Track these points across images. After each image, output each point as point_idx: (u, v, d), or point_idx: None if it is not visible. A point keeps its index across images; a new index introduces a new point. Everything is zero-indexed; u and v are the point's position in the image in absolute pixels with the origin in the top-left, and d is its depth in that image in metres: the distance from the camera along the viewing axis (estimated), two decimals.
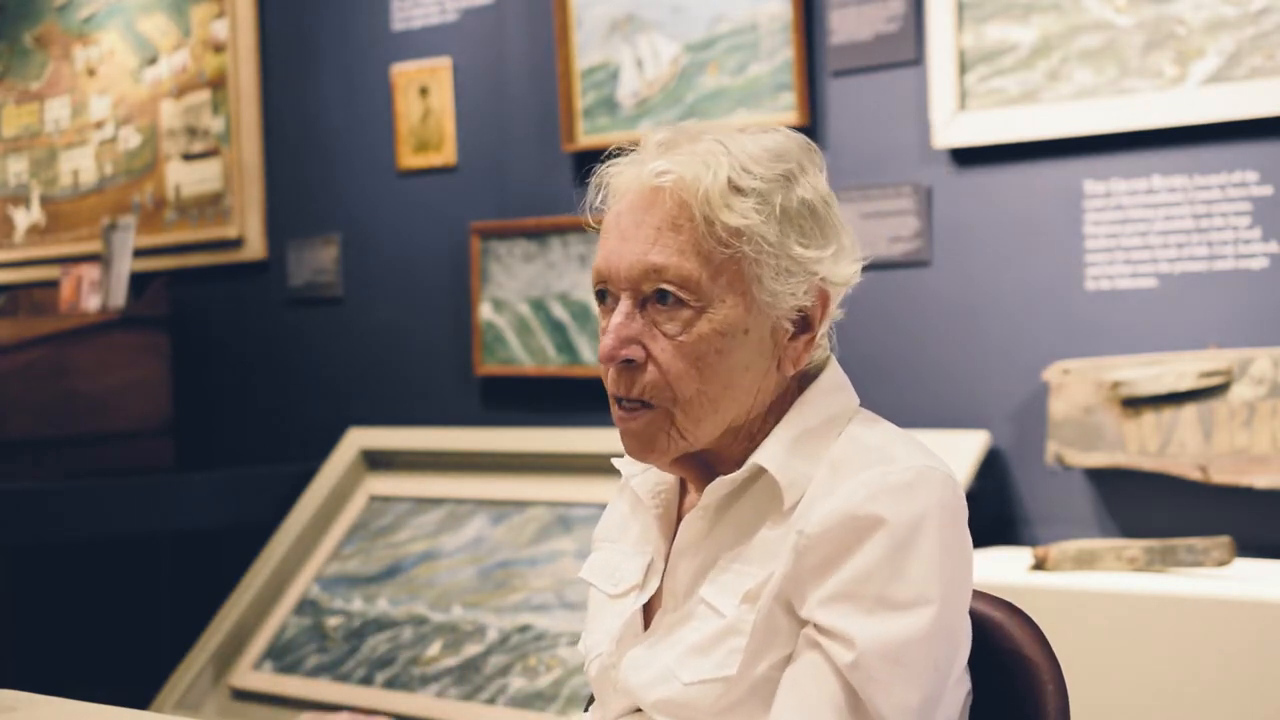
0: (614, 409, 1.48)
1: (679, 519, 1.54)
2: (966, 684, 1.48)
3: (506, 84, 4.12)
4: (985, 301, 3.31)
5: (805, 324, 1.46)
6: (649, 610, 1.53)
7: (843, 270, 1.46)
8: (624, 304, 1.45)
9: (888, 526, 1.36)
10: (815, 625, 1.37)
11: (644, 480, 1.57)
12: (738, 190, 1.42)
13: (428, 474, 4.16)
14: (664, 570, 1.52)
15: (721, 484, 1.46)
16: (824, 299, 1.46)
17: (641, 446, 1.47)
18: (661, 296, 1.43)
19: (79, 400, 4.46)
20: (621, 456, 1.55)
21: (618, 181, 1.48)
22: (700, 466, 1.50)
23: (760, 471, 1.45)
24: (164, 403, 4.63)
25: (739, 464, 1.46)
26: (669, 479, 1.56)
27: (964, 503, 1.42)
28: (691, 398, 1.44)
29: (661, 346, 1.44)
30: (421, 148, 4.28)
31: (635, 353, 1.44)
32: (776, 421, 1.47)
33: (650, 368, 1.44)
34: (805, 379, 1.50)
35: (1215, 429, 2.92)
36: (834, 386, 1.50)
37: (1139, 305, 3.12)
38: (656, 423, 1.46)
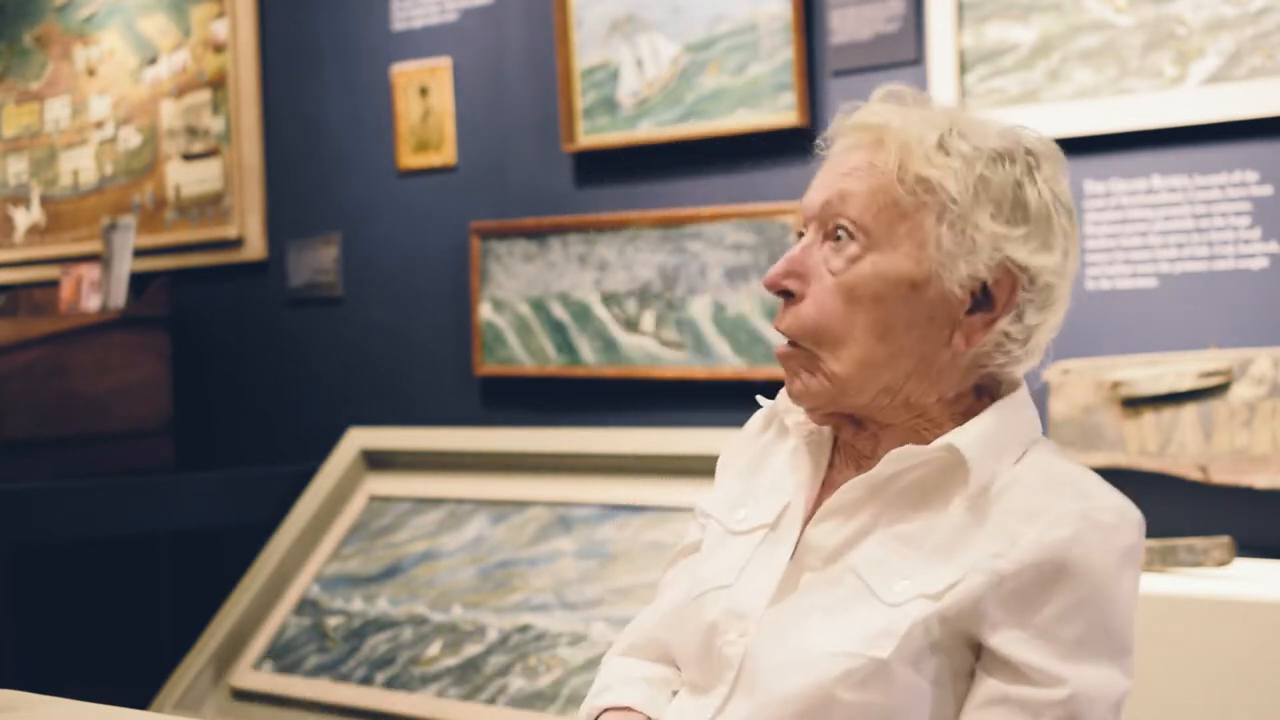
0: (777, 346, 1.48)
1: (829, 469, 1.50)
2: None
3: (506, 84, 4.12)
4: None
5: (985, 301, 1.42)
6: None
7: (1036, 259, 1.41)
8: (807, 236, 1.45)
9: (1094, 571, 1.35)
10: (1011, 660, 1.35)
11: (798, 420, 1.53)
12: (943, 149, 1.41)
13: (428, 474, 4.16)
14: (805, 521, 1.48)
15: (907, 454, 1.42)
16: (1011, 281, 1.41)
17: (792, 387, 1.45)
18: (839, 232, 1.42)
19: (79, 400, 4.45)
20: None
21: (836, 126, 1.49)
22: (862, 430, 1.47)
23: (949, 454, 1.41)
24: (164, 403, 4.63)
25: (907, 440, 1.44)
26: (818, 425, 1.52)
27: (1141, 538, 1.42)
28: (840, 338, 1.42)
29: (824, 284, 1.42)
30: (421, 148, 4.28)
31: (793, 284, 1.43)
32: (962, 417, 1.44)
33: (807, 304, 1.43)
34: (994, 391, 1.47)
35: (1215, 429, 2.92)
36: (1026, 403, 1.47)
37: (1139, 305, 3.12)
38: (804, 363, 1.44)
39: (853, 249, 1.41)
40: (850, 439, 1.49)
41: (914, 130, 1.42)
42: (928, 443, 1.43)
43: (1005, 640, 1.35)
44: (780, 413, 1.56)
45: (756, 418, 1.60)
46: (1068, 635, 1.34)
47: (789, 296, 1.44)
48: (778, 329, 1.45)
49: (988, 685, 1.36)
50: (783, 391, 1.52)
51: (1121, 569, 1.36)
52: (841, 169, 1.45)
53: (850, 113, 1.49)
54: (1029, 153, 1.44)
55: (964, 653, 1.38)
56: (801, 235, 1.47)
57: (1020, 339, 1.43)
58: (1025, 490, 1.39)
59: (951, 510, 1.40)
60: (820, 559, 1.44)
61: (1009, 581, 1.35)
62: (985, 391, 1.47)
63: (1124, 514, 1.39)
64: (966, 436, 1.41)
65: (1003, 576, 1.35)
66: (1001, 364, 1.45)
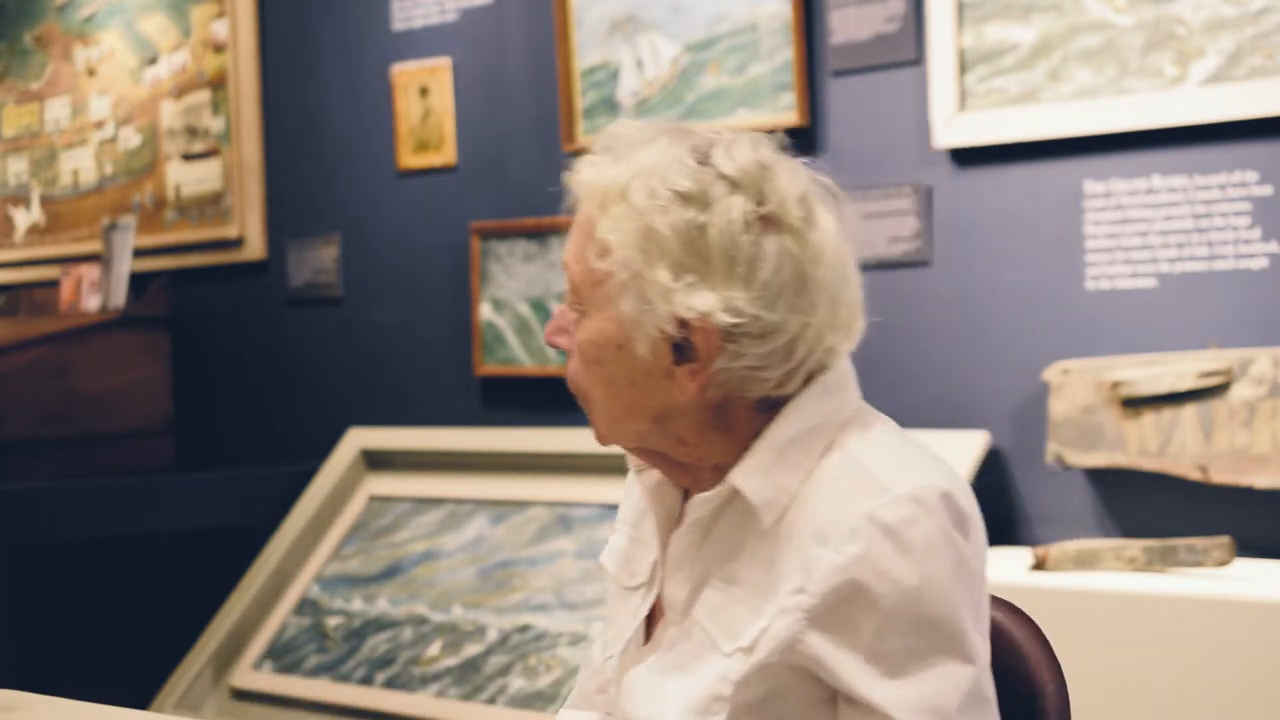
0: None
1: (680, 521, 1.51)
2: None
3: (506, 84, 4.12)
4: (985, 301, 3.31)
5: (688, 352, 1.39)
6: (654, 614, 1.50)
7: (712, 302, 1.37)
8: (568, 294, 1.47)
9: (894, 579, 1.32)
10: (849, 691, 1.34)
11: (650, 474, 1.54)
12: (625, 202, 1.39)
13: (428, 474, 4.16)
14: (663, 576, 1.49)
15: (702, 501, 1.44)
16: (705, 329, 1.37)
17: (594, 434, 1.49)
18: (569, 295, 1.46)
19: (79, 400, 4.45)
20: None
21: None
22: (681, 470, 1.47)
23: (734, 491, 1.41)
24: (164, 403, 4.63)
25: (713, 479, 1.44)
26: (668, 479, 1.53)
27: (969, 510, 1.38)
28: (586, 394, 1.46)
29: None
30: (421, 148, 4.28)
31: (562, 341, 1.46)
32: (748, 446, 1.43)
33: (571, 360, 1.47)
34: (781, 404, 1.45)
35: (1215, 429, 2.92)
36: (823, 392, 1.44)
37: (1139, 305, 3.12)
38: (588, 414, 1.47)
39: (574, 314, 1.45)
40: (682, 482, 1.49)
41: (605, 186, 1.41)
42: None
43: (837, 669, 1.34)
44: (640, 467, 1.57)
45: (631, 459, 1.58)
46: (893, 649, 1.32)
47: (565, 353, 1.48)
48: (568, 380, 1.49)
49: (841, 715, 1.36)
50: None
51: (926, 560, 1.33)
52: (573, 230, 1.45)
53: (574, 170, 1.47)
54: (724, 179, 1.39)
55: (812, 683, 1.37)
56: None
57: (769, 363, 1.40)
58: (819, 502, 1.37)
59: (760, 545, 1.40)
60: (677, 613, 1.46)
61: (818, 613, 1.34)
62: (774, 405, 1.43)
63: (920, 499, 1.34)
64: (743, 470, 1.40)
65: (809, 610, 1.34)
66: (763, 391, 1.41)
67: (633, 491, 1.58)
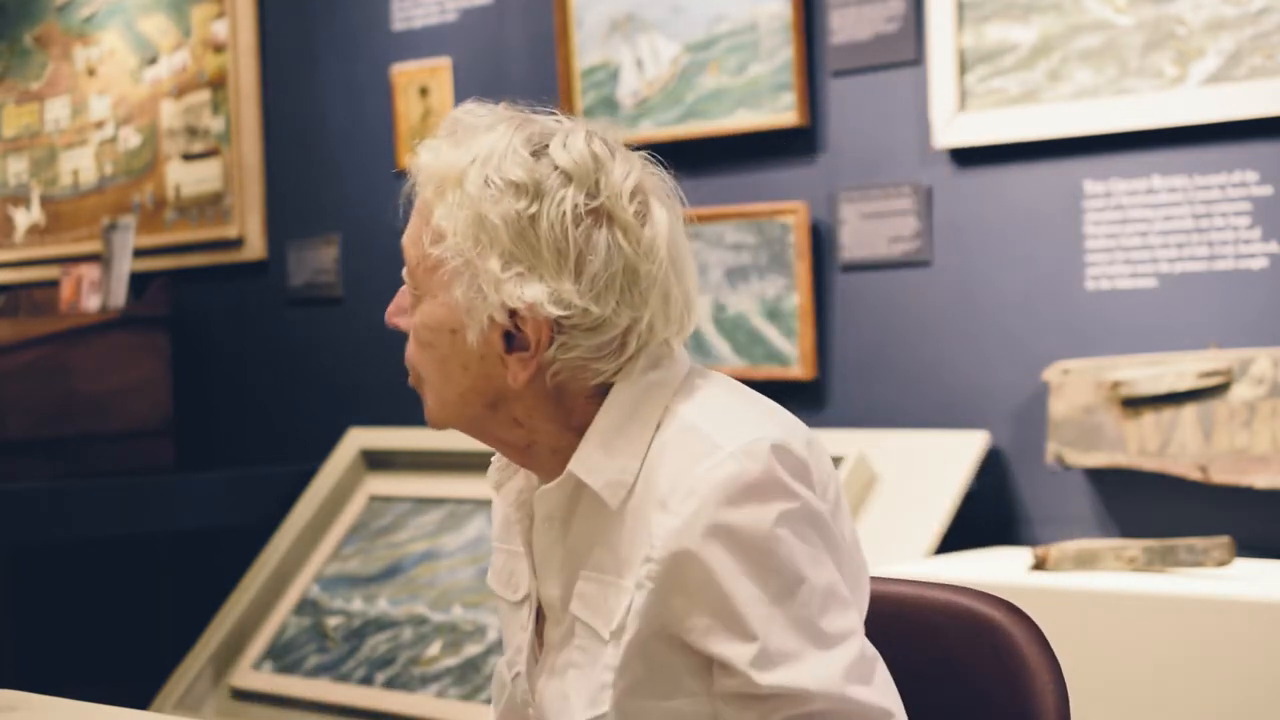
0: None
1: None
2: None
3: (506, 84, 4.12)
4: (985, 301, 3.31)
5: (520, 341, 1.40)
6: (541, 621, 1.50)
7: (539, 292, 1.38)
8: (405, 276, 1.48)
9: (732, 533, 1.33)
10: (713, 656, 1.35)
11: (509, 485, 1.55)
12: (460, 189, 1.40)
13: (428, 474, 4.16)
14: (536, 580, 1.50)
15: (545, 495, 1.45)
16: (535, 319, 1.39)
17: (425, 416, 1.50)
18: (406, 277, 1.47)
19: (79, 400, 4.45)
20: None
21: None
22: (517, 451, 1.48)
23: (574, 479, 1.42)
24: (164, 403, 4.63)
25: (557, 467, 1.44)
26: (524, 479, 1.53)
27: (807, 458, 1.38)
28: (422, 377, 1.48)
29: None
30: None
31: (399, 322, 1.49)
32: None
33: (409, 343, 1.49)
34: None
35: (1215, 429, 2.92)
36: (648, 366, 1.43)
37: (1139, 305, 3.12)
38: (421, 395, 1.49)
39: (410, 297, 1.47)
40: (523, 464, 1.50)
41: (443, 171, 1.42)
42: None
43: (693, 632, 1.36)
44: (499, 480, 1.57)
45: (490, 474, 1.59)
46: (739, 603, 1.33)
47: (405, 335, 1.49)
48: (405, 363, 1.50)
49: (717, 684, 1.37)
50: (496, 455, 1.55)
51: (760, 512, 1.33)
52: (412, 214, 1.47)
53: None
54: (557, 170, 1.40)
55: (688, 651, 1.38)
56: None
57: (601, 355, 1.41)
58: (660, 472, 1.38)
59: (616, 527, 1.41)
60: (557, 612, 1.47)
61: (664, 577, 1.36)
62: (608, 391, 1.44)
63: (751, 452, 1.35)
64: (579, 458, 1.42)
65: (656, 577, 1.36)
66: (600, 378, 1.42)
67: (497, 507, 1.59)
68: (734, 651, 1.34)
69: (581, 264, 1.39)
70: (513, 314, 1.39)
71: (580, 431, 1.43)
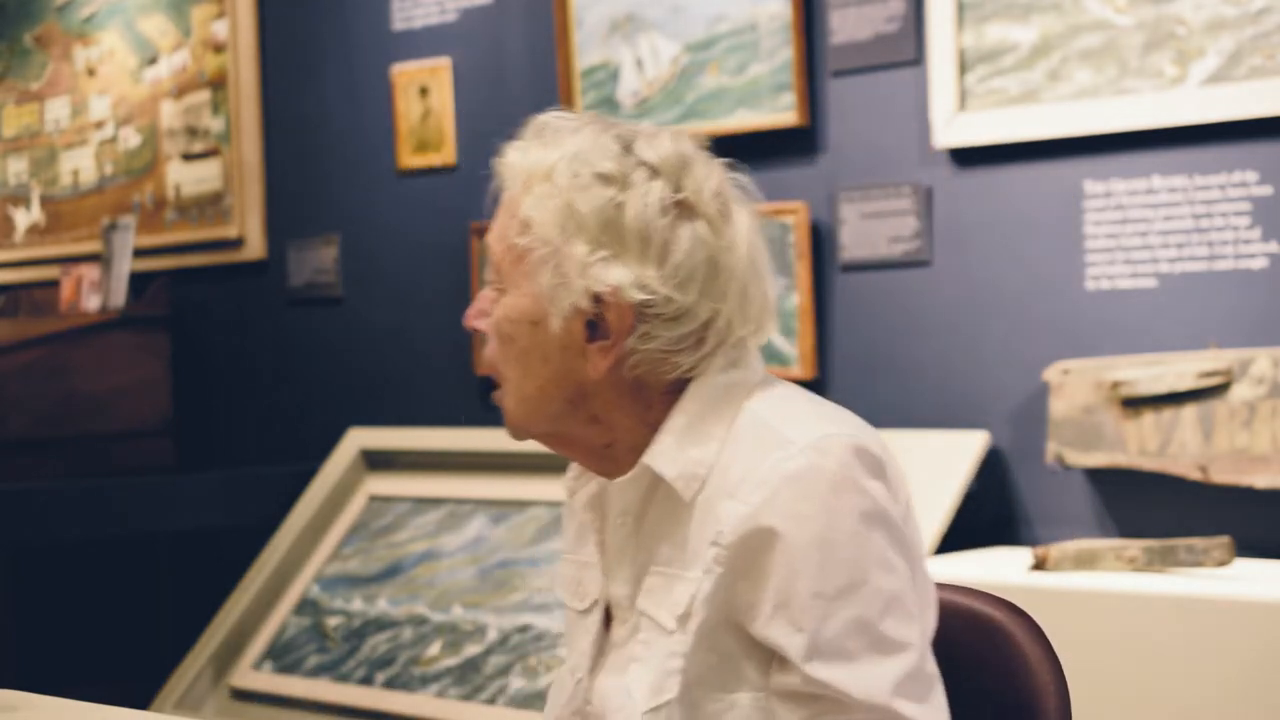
0: None
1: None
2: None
3: (506, 84, 4.12)
4: (985, 301, 3.31)
5: (601, 329, 1.43)
6: (610, 624, 1.52)
7: (627, 277, 1.41)
8: (489, 274, 1.51)
9: (801, 523, 1.34)
10: (773, 645, 1.36)
11: (583, 492, 1.56)
12: (549, 181, 1.43)
13: (428, 474, 4.16)
14: (606, 582, 1.51)
15: (621, 487, 1.47)
16: (618, 306, 1.41)
17: (505, 423, 1.51)
18: (491, 275, 1.49)
19: (79, 400, 4.45)
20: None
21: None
22: (596, 455, 1.49)
23: (649, 472, 1.44)
24: (164, 403, 4.63)
25: (631, 460, 1.46)
26: (598, 485, 1.54)
27: (883, 457, 1.39)
28: (503, 376, 1.48)
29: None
30: (421, 148, 4.28)
31: (479, 324, 1.50)
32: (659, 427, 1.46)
33: (489, 343, 1.50)
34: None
35: (1215, 429, 2.92)
36: (727, 365, 1.46)
37: (1139, 305, 3.12)
38: (500, 399, 1.50)
39: (495, 292, 1.48)
40: (604, 471, 1.51)
41: (530, 168, 1.46)
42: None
43: (755, 619, 1.37)
44: (571, 489, 1.59)
45: (565, 481, 1.61)
46: (800, 596, 1.34)
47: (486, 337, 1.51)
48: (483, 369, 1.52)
49: (774, 679, 1.38)
50: (572, 465, 1.57)
51: (830, 505, 1.35)
52: (498, 211, 1.50)
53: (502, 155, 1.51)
54: (644, 166, 1.43)
55: (753, 643, 1.39)
56: None
57: (680, 348, 1.43)
58: (731, 465, 1.40)
59: (687, 520, 1.42)
60: (625, 610, 1.49)
61: (731, 561, 1.37)
62: (685, 387, 1.47)
63: (822, 448, 1.37)
64: (655, 449, 1.43)
65: (724, 561, 1.37)
66: (677, 372, 1.44)
67: (570, 516, 1.60)
68: (789, 641, 1.35)
69: (665, 252, 1.42)
70: (597, 300, 1.41)
71: (657, 429, 1.45)
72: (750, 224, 1.47)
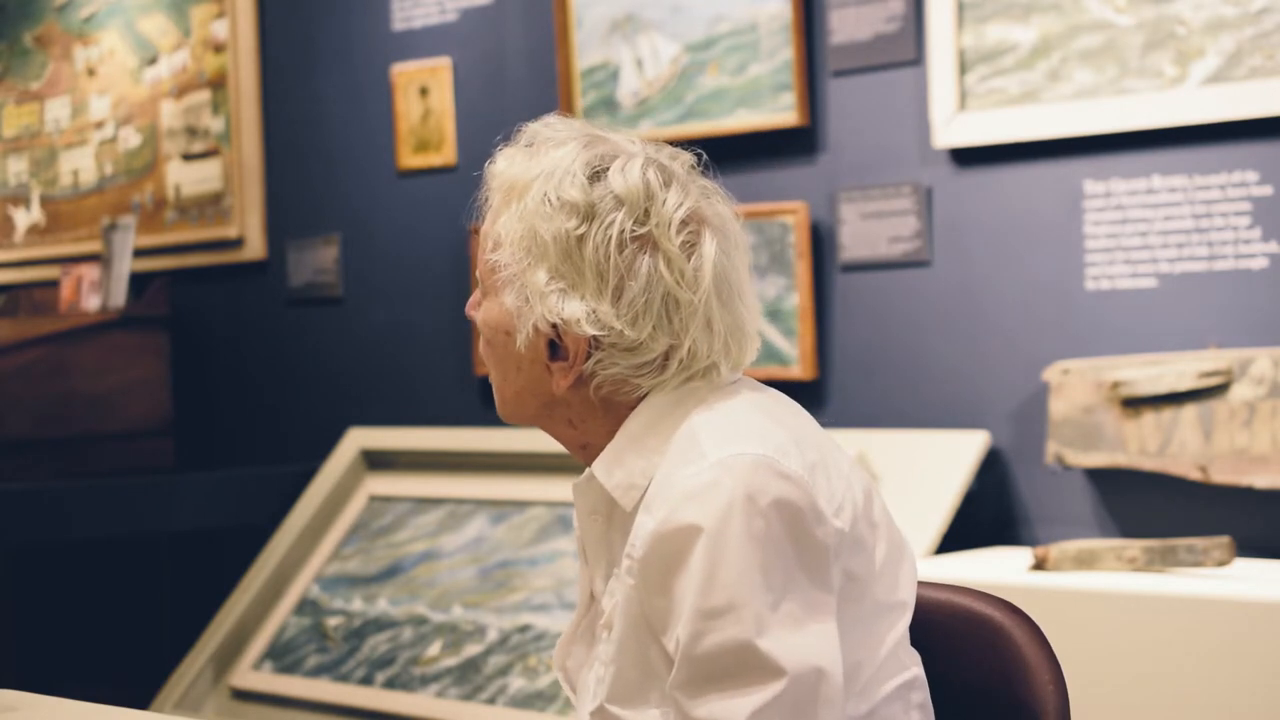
0: None
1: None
2: (905, 672, 1.46)
3: (506, 84, 4.12)
4: (985, 301, 3.31)
5: (560, 351, 1.46)
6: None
7: (578, 311, 1.43)
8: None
9: (690, 539, 1.36)
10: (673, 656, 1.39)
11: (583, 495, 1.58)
12: (522, 202, 1.46)
13: (428, 474, 4.16)
14: (592, 575, 1.55)
15: (580, 488, 1.51)
16: (574, 337, 1.44)
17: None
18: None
19: (79, 400, 4.45)
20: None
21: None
22: (578, 449, 1.53)
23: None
24: (164, 403, 4.63)
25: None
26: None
27: (786, 481, 1.38)
28: (490, 374, 1.53)
29: None
30: (421, 148, 4.28)
31: (473, 315, 1.54)
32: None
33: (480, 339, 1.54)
34: None
35: (1215, 429, 2.92)
36: (687, 378, 1.47)
37: (1139, 305, 3.12)
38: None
39: (478, 295, 1.53)
40: (587, 460, 1.54)
41: (511, 181, 1.49)
42: None
43: (658, 632, 1.39)
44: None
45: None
46: (687, 611, 1.35)
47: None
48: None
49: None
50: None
51: (725, 524, 1.35)
52: (486, 216, 1.54)
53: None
54: (611, 195, 1.44)
55: (665, 655, 1.42)
56: None
57: (641, 373, 1.45)
58: (659, 477, 1.43)
59: (630, 525, 1.45)
60: (599, 604, 1.52)
61: (639, 574, 1.40)
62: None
63: (727, 464, 1.37)
64: (601, 458, 1.47)
65: (638, 578, 1.40)
66: (640, 391, 1.47)
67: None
68: (672, 648, 1.38)
69: (621, 288, 1.43)
70: (554, 326, 1.44)
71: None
72: (718, 254, 1.46)
